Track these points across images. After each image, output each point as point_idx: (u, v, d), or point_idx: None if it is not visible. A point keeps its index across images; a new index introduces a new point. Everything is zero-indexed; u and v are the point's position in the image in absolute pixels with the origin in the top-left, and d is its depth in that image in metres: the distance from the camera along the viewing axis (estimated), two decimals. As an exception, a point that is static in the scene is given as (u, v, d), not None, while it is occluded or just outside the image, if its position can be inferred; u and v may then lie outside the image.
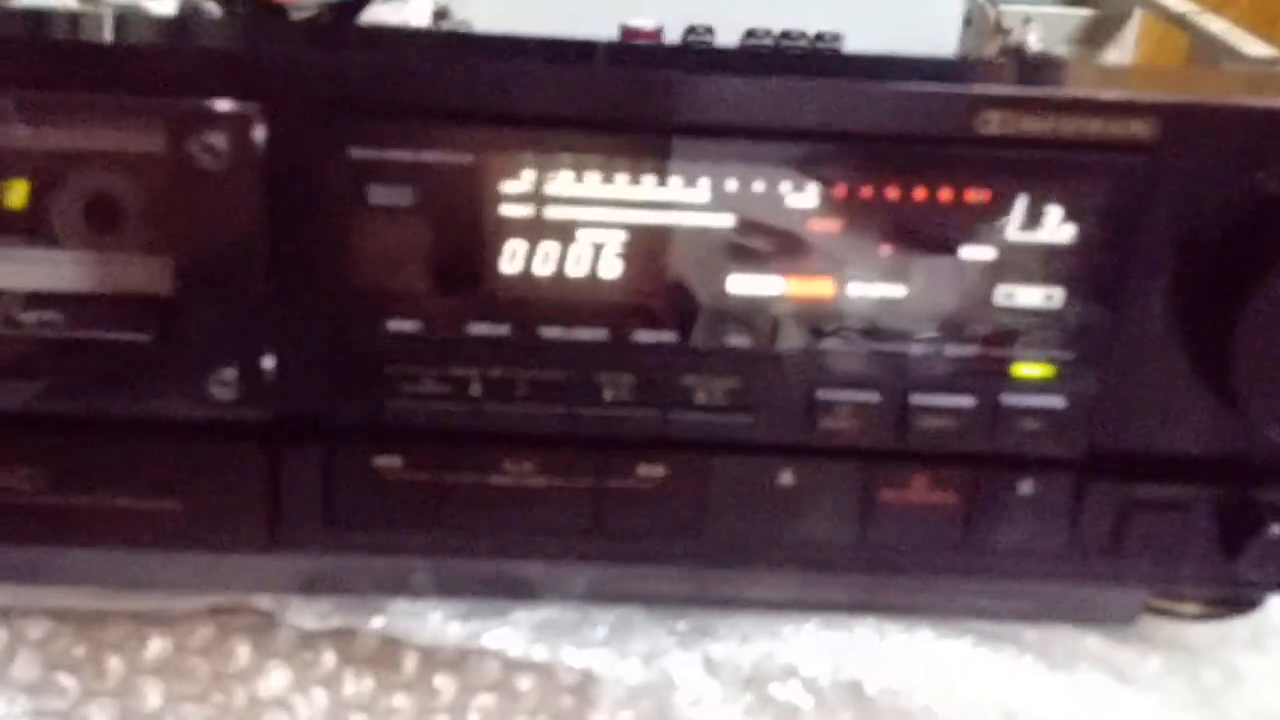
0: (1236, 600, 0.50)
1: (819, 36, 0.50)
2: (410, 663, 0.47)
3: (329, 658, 0.47)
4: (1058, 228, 0.40)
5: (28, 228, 0.39)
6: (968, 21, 0.73)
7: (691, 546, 0.44)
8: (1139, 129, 0.39)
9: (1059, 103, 0.39)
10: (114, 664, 0.46)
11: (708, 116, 0.39)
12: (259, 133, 0.38)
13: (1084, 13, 0.74)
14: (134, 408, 0.41)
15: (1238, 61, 0.58)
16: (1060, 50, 0.70)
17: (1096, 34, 0.72)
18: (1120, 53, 0.73)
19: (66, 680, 0.46)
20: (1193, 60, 0.65)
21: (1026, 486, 0.43)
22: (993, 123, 0.39)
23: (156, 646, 0.47)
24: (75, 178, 0.39)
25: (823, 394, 0.42)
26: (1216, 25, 0.62)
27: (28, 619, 0.47)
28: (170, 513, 0.42)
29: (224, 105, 0.38)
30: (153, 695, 0.47)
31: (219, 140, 0.38)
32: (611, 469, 0.43)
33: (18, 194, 0.39)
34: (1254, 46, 0.59)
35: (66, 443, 0.41)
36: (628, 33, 0.54)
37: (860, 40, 0.46)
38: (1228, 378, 0.40)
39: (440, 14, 0.61)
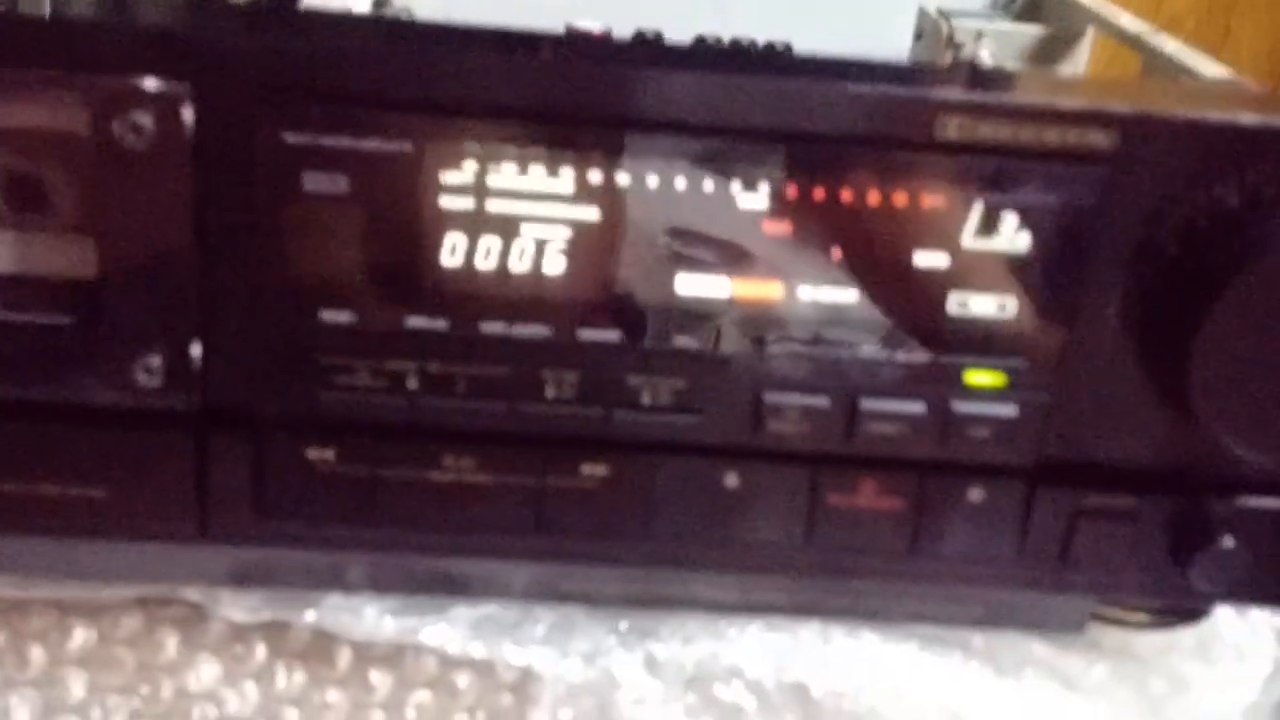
0: (1184, 610, 0.50)
1: (769, 46, 0.49)
2: (344, 658, 0.47)
3: (260, 651, 0.46)
4: (1013, 236, 0.40)
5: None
6: (919, 35, 0.74)
7: (635, 547, 0.44)
8: (1098, 139, 0.38)
9: (1018, 110, 0.38)
10: (36, 654, 0.46)
11: (658, 112, 0.38)
12: (187, 114, 0.37)
13: (1036, 30, 0.74)
14: (57, 393, 0.40)
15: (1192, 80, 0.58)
16: (1011, 66, 0.70)
17: (1049, 51, 0.72)
18: (1072, 70, 0.73)
19: None
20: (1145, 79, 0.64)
21: (976, 493, 0.43)
22: (951, 128, 0.38)
23: (81, 636, 0.46)
24: (1, 155, 0.38)
25: (771, 397, 0.41)
26: (1170, 45, 0.62)
27: None
28: (96, 501, 0.41)
29: (151, 84, 0.37)
30: (77, 686, 0.46)
31: (145, 120, 0.37)
32: (554, 467, 0.42)
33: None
34: (1208, 67, 0.59)
35: None
36: (574, 35, 0.53)
37: (809, 50, 0.45)
38: (1184, 389, 0.40)
39: (380, 1, 0.60)
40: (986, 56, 0.65)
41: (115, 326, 0.39)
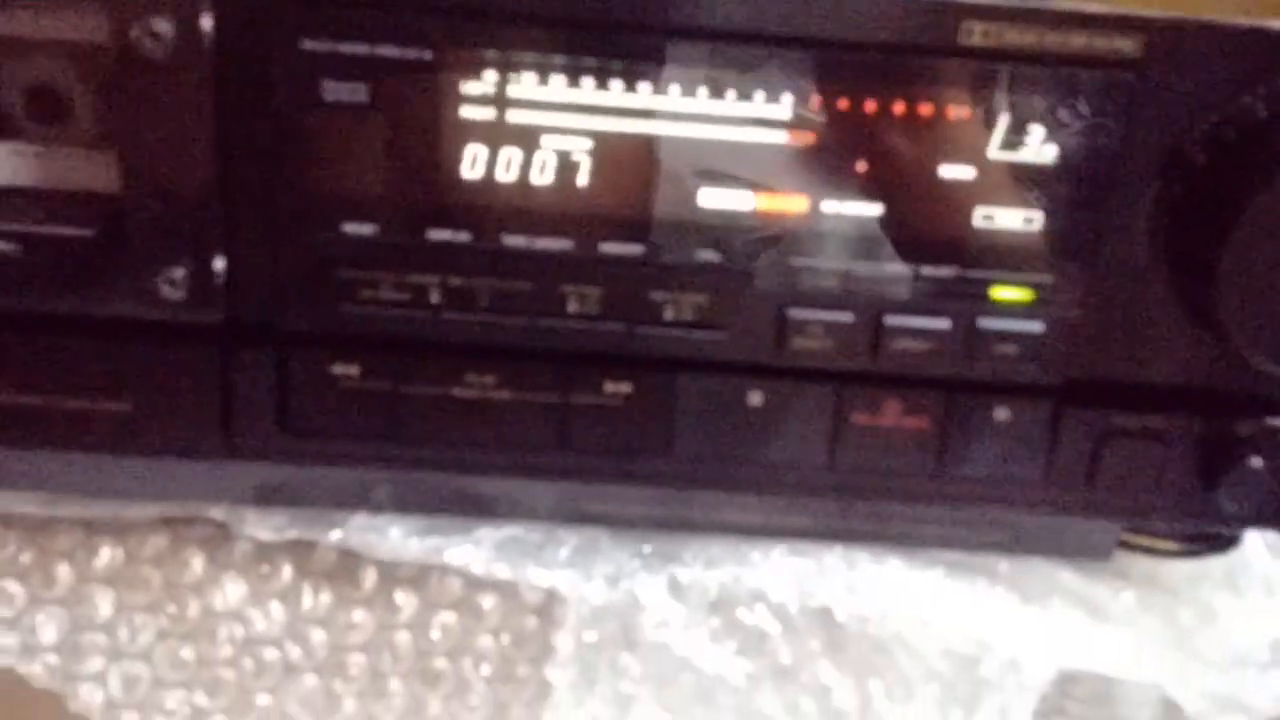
0: (1213, 538, 0.50)
1: None
2: (369, 578, 0.47)
3: (286, 571, 0.47)
4: (1040, 147, 0.39)
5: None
6: None
7: (658, 466, 0.44)
8: (1125, 45, 0.38)
9: (1044, 15, 0.38)
10: (63, 572, 0.46)
11: (682, 19, 0.38)
12: (206, 21, 0.37)
13: None
14: (81, 306, 0.40)
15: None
16: None
17: None
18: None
19: (13, 587, 0.46)
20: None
21: (1002, 413, 0.43)
22: (975, 33, 0.38)
23: (107, 555, 0.46)
24: (15, 67, 0.38)
25: (794, 312, 0.41)
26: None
27: None
28: (120, 415, 0.42)
29: None
30: (103, 604, 0.46)
31: (164, 26, 0.37)
32: (576, 384, 0.42)
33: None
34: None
35: (10, 341, 0.41)
36: None
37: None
38: (1212, 305, 0.39)
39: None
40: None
41: (139, 239, 0.39)
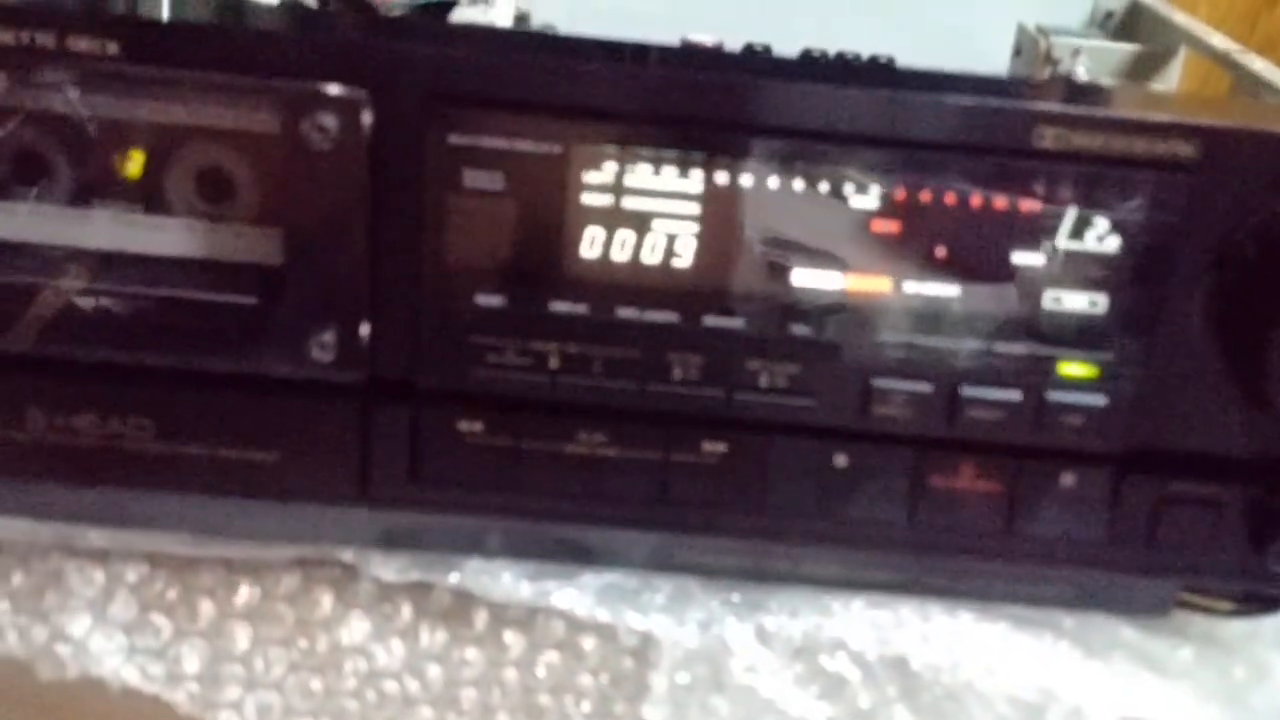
0: (1266, 599, 0.51)
1: (873, 59, 0.51)
2: (481, 618, 0.50)
3: (406, 610, 0.50)
4: (1104, 238, 0.42)
5: (145, 194, 0.42)
6: (1017, 51, 0.76)
7: (749, 521, 0.46)
8: (1182, 149, 0.41)
9: (1110, 122, 0.41)
10: (205, 607, 0.49)
11: (779, 119, 0.41)
12: (366, 117, 0.41)
13: (1131, 47, 0.75)
14: (240, 365, 0.44)
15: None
16: (1106, 82, 0.71)
17: (1142, 68, 0.74)
18: (1164, 87, 0.74)
19: (161, 621, 0.49)
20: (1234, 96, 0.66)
21: (1068, 478, 0.45)
22: (1048, 138, 0.41)
23: (245, 593, 0.49)
24: (195, 152, 0.42)
25: (878, 382, 0.44)
26: (1259, 64, 0.63)
27: (126, 562, 0.49)
28: (268, 464, 0.45)
29: (335, 90, 0.41)
30: (241, 638, 0.49)
31: (330, 122, 0.41)
32: (677, 444, 0.45)
33: (135, 164, 0.42)
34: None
35: (175, 395, 0.44)
36: (690, 47, 0.55)
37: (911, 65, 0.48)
38: (1261, 383, 0.42)
39: (521, 18, 0.64)
40: (1082, 72, 0.67)
41: (295, 307, 0.43)
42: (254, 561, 0.49)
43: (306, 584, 0.50)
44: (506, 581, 0.49)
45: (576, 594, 0.49)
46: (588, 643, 0.50)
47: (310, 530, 0.49)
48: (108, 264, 0.43)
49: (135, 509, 0.48)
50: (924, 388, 0.44)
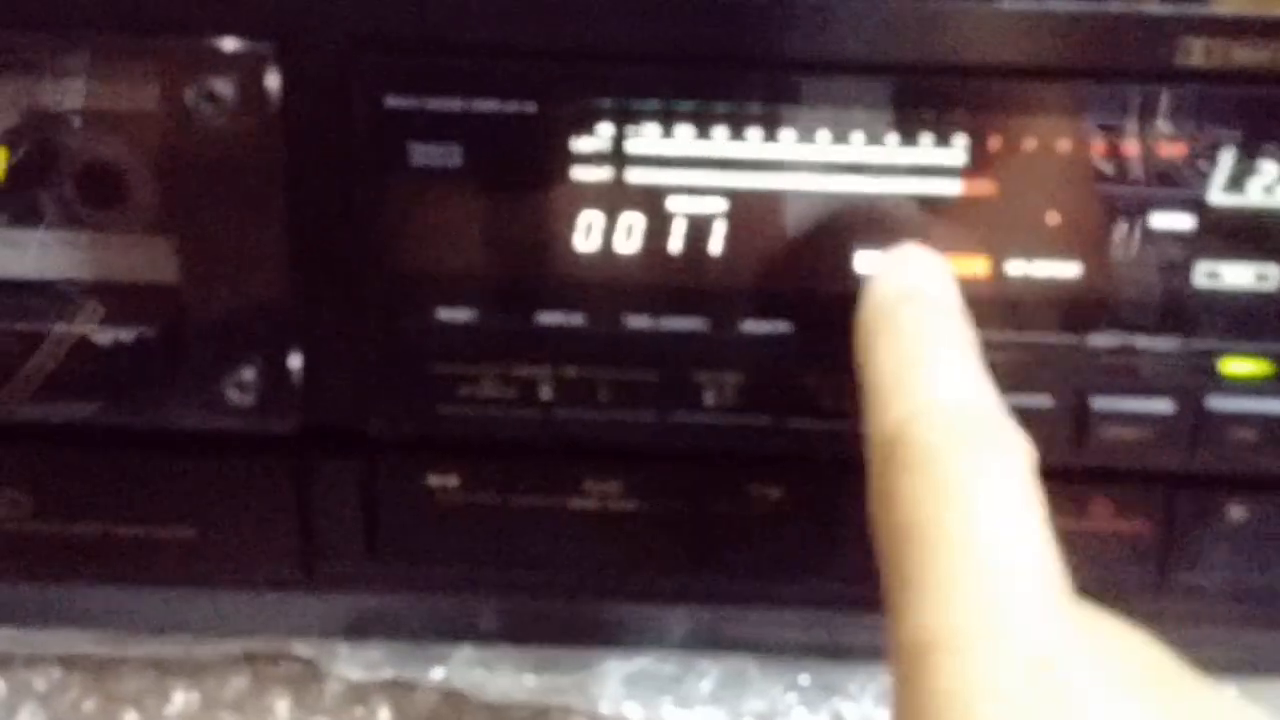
0: None
1: None
2: None
3: (383, 715, 0.45)
4: (1274, 188, 0.36)
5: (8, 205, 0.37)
6: None
7: (815, 585, 0.41)
8: None
9: None
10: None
11: (831, 50, 0.35)
12: (272, 79, 0.35)
13: None
14: (138, 416, 0.39)
15: None
16: None
17: None
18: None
19: None
20: None
21: (1237, 511, 0.40)
22: (1195, 52, 0.35)
23: (181, 700, 0.45)
24: (63, 144, 0.36)
25: (978, 397, 0.38)
26: None
27: (33, 668, 0.45)
28: (185, 542, 0.41)
29: (230, 44, 0.35)
30: None
31: (224, 88, 0.35)
32: (715, 490, 0.40)
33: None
34: None
35: (56, 461, 0.40)
36: None
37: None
38: None
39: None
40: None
41: (201, 337, 0.38)
42: (190, 661, 0.45)
43: (257, 686, 0.45)
44: (506, 675, 0.45)
45: (598, 687, 0.44)
46: (617, 747, 0.46)
47: (259, 620, 0.45)
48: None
49: (38, 602, 0.44)
50: (1040, 401, 0.38)
